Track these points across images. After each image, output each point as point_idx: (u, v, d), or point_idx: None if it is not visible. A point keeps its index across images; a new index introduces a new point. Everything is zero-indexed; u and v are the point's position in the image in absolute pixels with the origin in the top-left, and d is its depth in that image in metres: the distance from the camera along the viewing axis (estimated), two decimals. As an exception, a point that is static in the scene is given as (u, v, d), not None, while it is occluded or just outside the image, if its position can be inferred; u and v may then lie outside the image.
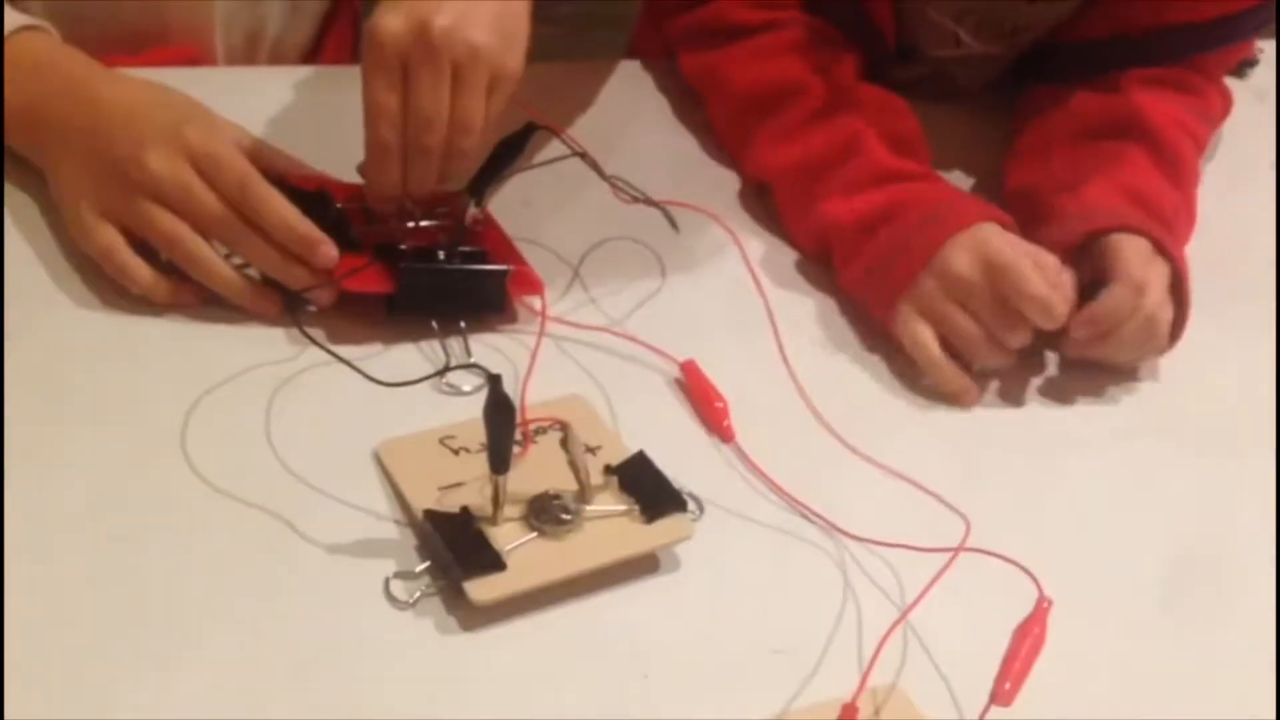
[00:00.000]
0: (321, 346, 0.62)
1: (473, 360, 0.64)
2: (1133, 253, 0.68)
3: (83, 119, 0.64)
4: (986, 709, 0.49)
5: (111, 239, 0.63)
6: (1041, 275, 0.66)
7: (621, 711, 0.52)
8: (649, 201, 0.70)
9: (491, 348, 0.66)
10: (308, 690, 0.51)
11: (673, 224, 0.71)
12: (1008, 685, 0.50)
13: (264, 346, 0.63)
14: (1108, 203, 0.71)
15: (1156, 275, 0.68)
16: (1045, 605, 0.51)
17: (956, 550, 0.55)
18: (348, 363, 0.61)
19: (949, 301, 0.67)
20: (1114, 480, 0.66)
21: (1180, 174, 0.75)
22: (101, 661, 0.51)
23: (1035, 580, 0.52)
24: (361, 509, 0.58)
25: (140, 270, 0.63)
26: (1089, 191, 0.72)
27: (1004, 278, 0.66)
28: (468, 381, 0.63)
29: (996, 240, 0.67)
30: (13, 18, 0.67)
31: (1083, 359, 0.69)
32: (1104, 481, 0.66)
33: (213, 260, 0.63)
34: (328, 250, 0.63)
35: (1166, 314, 0.69)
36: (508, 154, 0.66)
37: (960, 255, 0.67)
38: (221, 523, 0.56)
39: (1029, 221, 0.72)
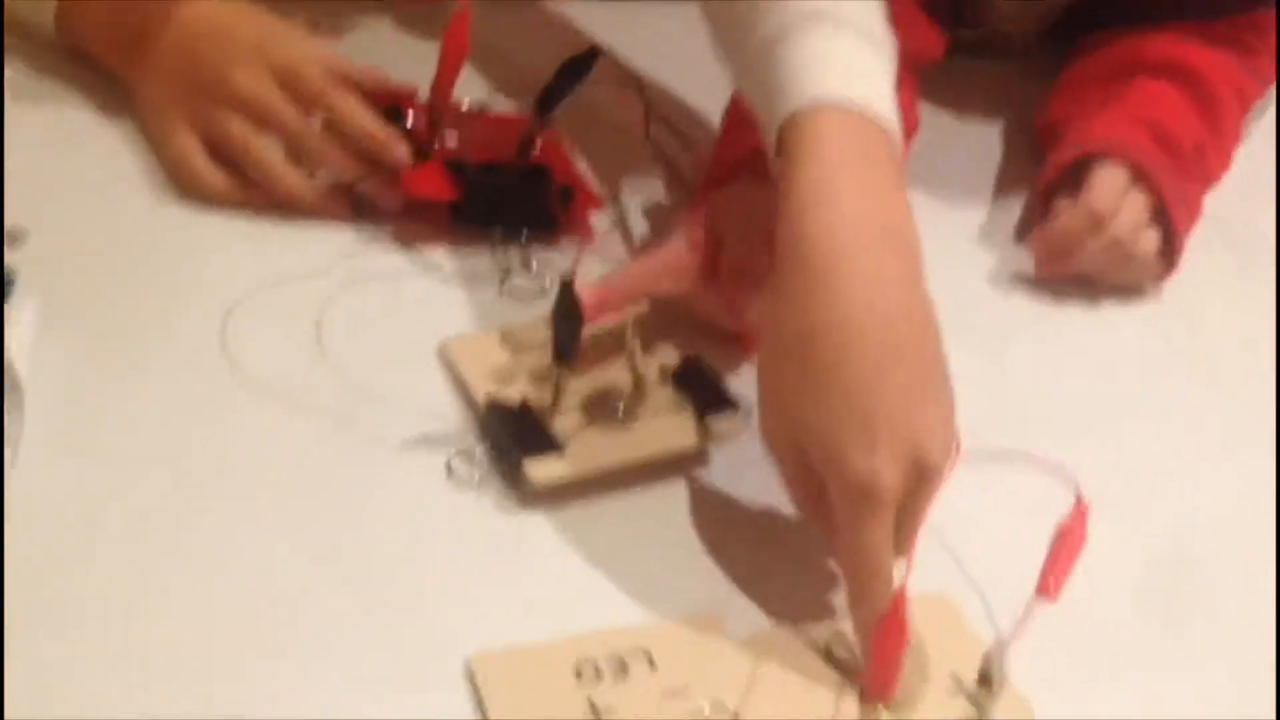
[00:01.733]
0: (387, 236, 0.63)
1: (533, 269, 0.66)
2: (1102, 180, 0.71)
3: (172, 36, 0.67)
4: (1031, 602, 0.50)
5: (188, 144, 0.66)
6: None
7: (673, 592, 0.54)
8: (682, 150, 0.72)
9: (547, 262, 0.67)
10: (376, 568, 0.53)
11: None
12: (1052, 582, 0.51)
13: (326, 247, 0.65)
14: (1110, 130, 0.73)
15: (1130, 204, 0.71)
16: (1083, 508, 0.52)
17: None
18: (414, 252, 0.63)
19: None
20: (1143, 398, 0.68)
21: (1216, 115, 0.76)
22: (150, 563, 0.52)
23: (1074, 484, 0.53)
24: (423, 404, 0.59)
25: (213, 175, 0.66)
26: (1099, 118, 0.74)
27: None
28: (527, 289, 0.65)
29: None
30: None
31: (1074, 277, 0.72)
32: (1133, 400, 0.67)
33: (285, 167, 0.66)
34: (401, 150, 0.65)
35: (1144, 241, 0.71)
36: (573, 76, 0.68)
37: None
38: (276, 417, 0.58)
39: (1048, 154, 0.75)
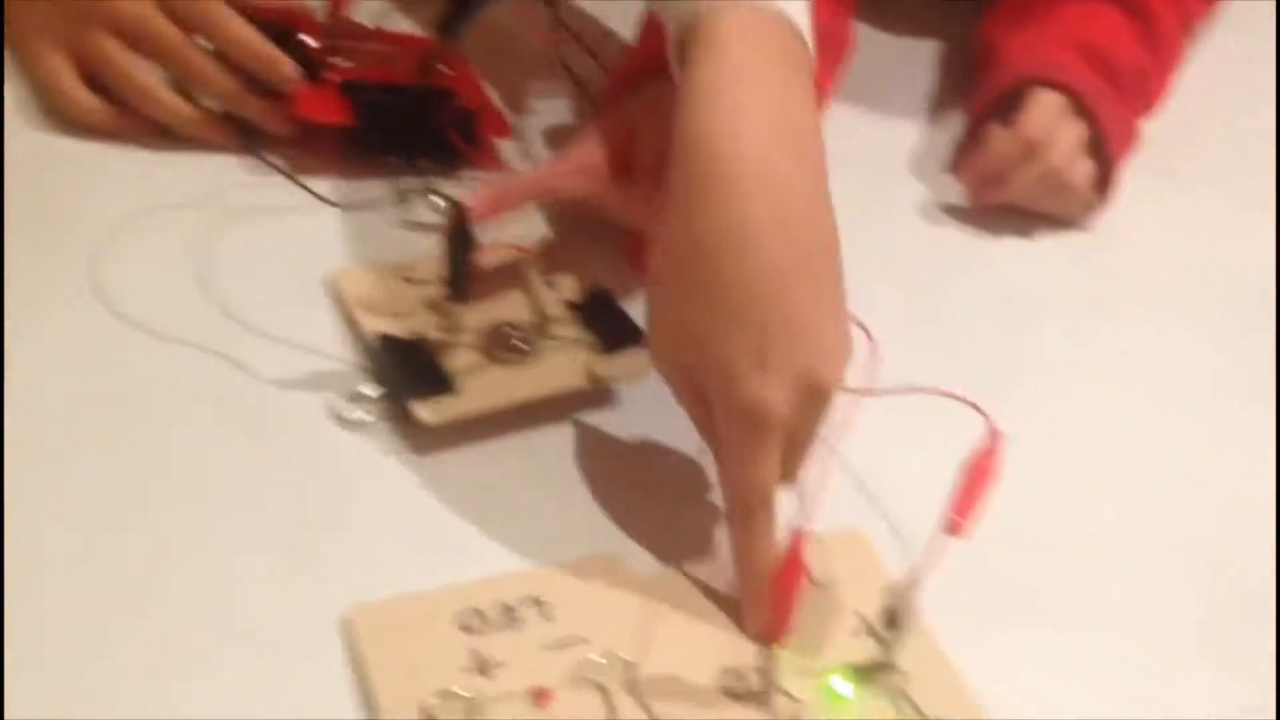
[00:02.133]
0: (274, 166, 0.60)
1: (432, 200, 0.63)
2: (1036, 107, 0.68)
3: None
4: (939, 538, 0.48)
5: (61, 68, 0.62)
6: None
7: (568, 536, 0.51)
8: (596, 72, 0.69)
9: (449, 194, 0.63)
10: (256, 514, 0.50)
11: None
12: (961, 518, 0.49)
13: (210, 178, 0.62)
14: (1045, 54, 0.71)
15: (1065, 132, 0.68)
16: (997, 437, 0.50)
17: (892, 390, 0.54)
18: (301, 184, 0.59)
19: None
20: (1074, 332, 0.65)
21: (1155, 39, 0.73)
22: (17, 508, 0.49)
23: (984, 414, 0.51)
24: (310, 340, 0.56)
25: (88, 100, 0.62)
26: (1035, 41, 0.72)
27: None
28: (428, 217, 0.62)
29: None
30: None
31: (1006, 208, 0.70)
32: (1063, 336, 0.65)
33: (166, 92, 0.62)
34: (289, 70, 0.61)
35: (1080, 170, 0.69)
36: None
37: None
38: (161, 357, 0.55)
39: (982, 77, 0.72)
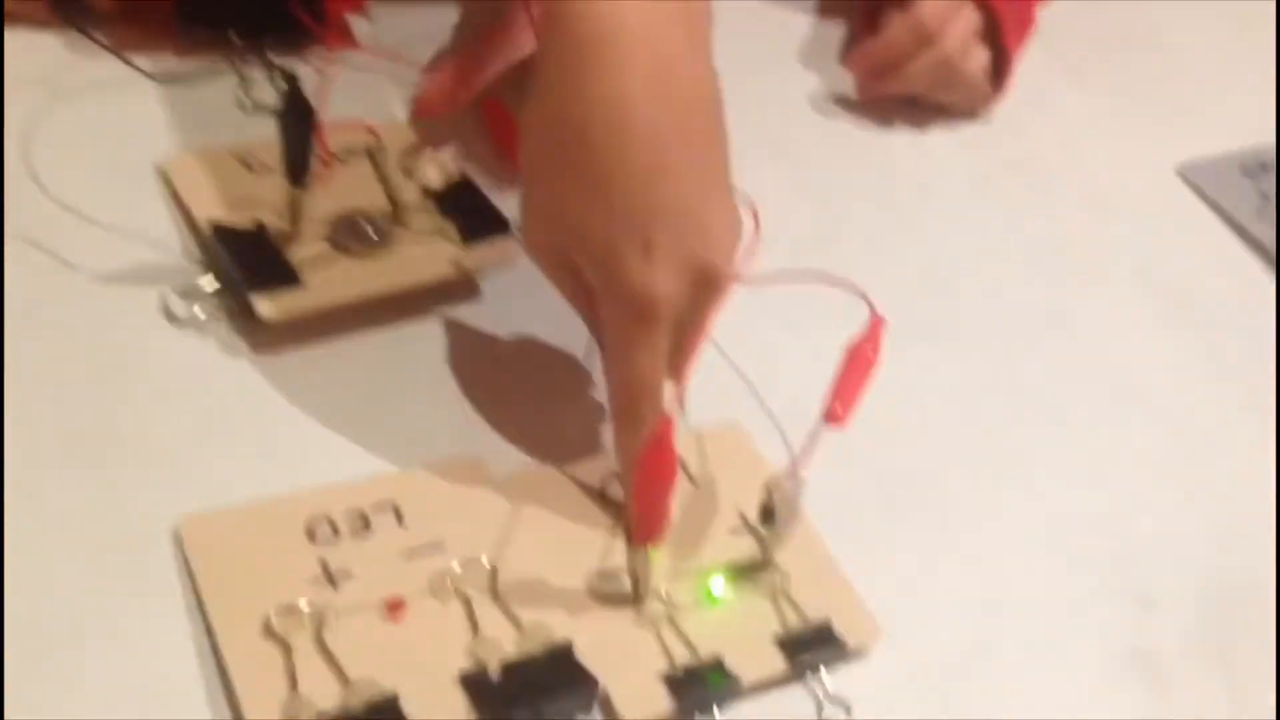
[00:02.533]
0: (99, 43, 0.54)
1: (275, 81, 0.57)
2: None
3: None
4: (818, 429, 0.46)
5: None
6: None
7: (427, 438, 0.47)
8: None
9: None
10: (82, 419, 0.45)
11: None
12: (840, 407, 0.46)
13: (31, 58, 0.56)
14: None
15: (959, 21, 0.66)
16: (878, 322, 0.47)
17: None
18: (128, 61, 0.54)
19: None
20: (965, 222, 0.63)
21: None
22: None
23: (867, 300, 0.48)
24: (141, 230, 0.51)
25: None
26: None
27: None
28: (270, 98, 0.56)
29: None
30: None
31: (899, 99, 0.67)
32: (955, 223, 0.63)
33: None
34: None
35: (974, 59, 0.67)
36: None
37: None
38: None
39: None
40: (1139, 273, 0.63)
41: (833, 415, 0.45)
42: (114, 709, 0.38)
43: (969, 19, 0.67)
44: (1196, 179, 0.69)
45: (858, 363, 0.46)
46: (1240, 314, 0.62)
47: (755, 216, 0.48)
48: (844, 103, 0.68)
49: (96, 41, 0.56)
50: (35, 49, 0.56)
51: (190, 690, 0.39)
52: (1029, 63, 0.69)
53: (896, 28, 0.66)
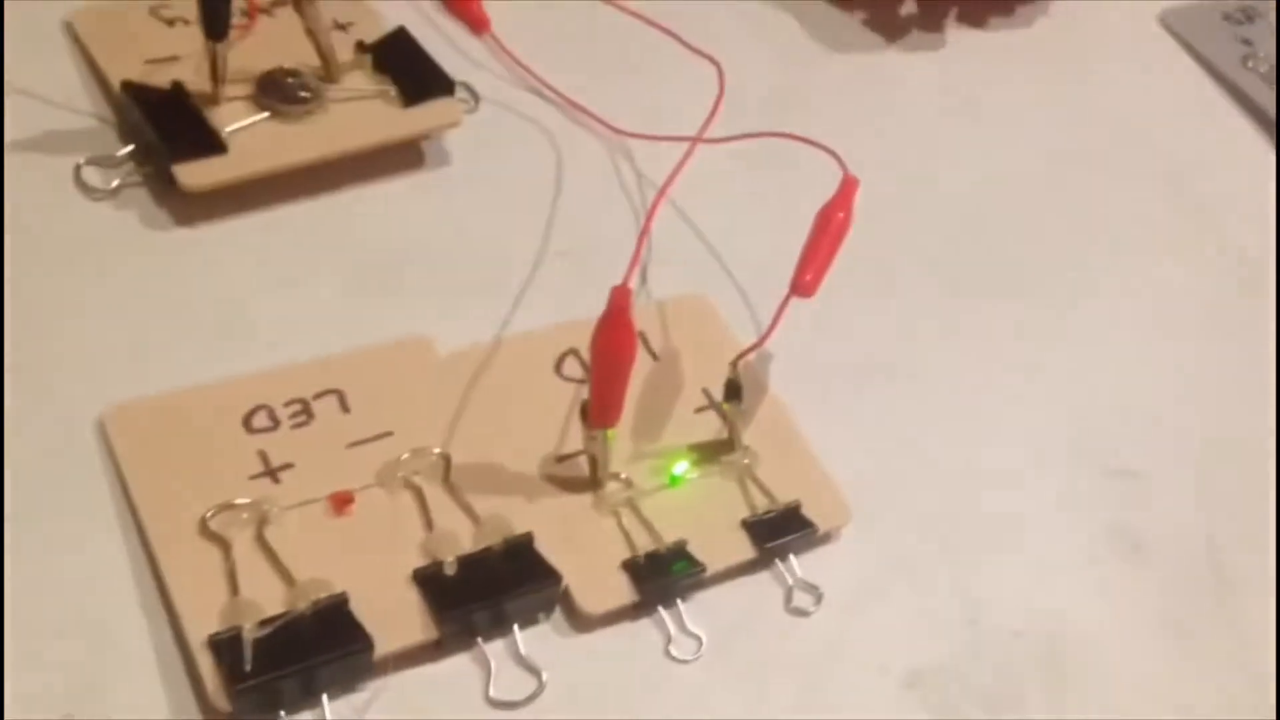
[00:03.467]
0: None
1: None
2: None
3: None
4: (786, 300, 0.43)
5: None
6: None
7: (378, 322, 0.44)
8: None
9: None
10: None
11: None
12: (808, 276, 0.44)
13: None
14: None
15: None
16: (851, 183, 0.45)
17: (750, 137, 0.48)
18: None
19: None
20: (944, 79, 0.59)
21: None
22: None
23: (839, 159, 0.45)
24: (47, 92, 0.47)
25: None
26: None
27: None
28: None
29: None
30: None
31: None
32: (934, 80, 0.59)
33: None
34: None
35: None
36: None
37: None
38: None
39: None
40: (1125, 130, 0.60)
41: (801, 285, 0.42)
42: (41, 619, 0.36)
43: None
44: (1178, 26, 0.66)
45: (828, 228, 0.43)
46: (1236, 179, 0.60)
47: (720, 73, 0.44)
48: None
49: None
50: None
51: (123, 597, 0.36)
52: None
53: None
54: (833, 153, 0.45)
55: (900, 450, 0.46)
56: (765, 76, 0.56)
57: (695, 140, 0.50)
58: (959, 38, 0.62)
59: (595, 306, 0.39)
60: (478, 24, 0.54)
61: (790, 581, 0.41)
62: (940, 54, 0.61)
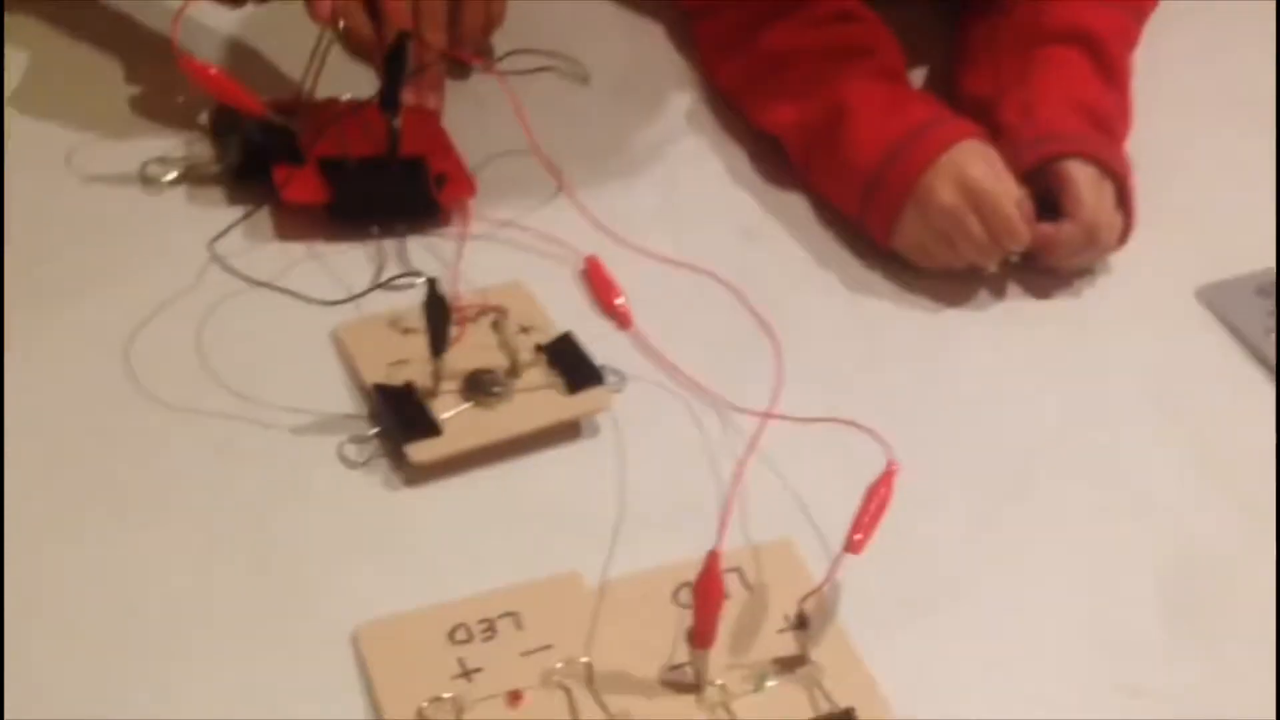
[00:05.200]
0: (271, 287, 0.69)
1: (410, 269, 0.70)
2: (1083, 183, 0.74)
3: None
4: (839, 556, 0.58)
5: None
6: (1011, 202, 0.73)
7: (546, 558, 0.60)
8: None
9: (424, 247, 0.72)
10: (269, 539, 0.59)
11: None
12: (858, 536, 0.58)
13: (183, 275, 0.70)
14: (1059, 123, 0.77)
15: (1105, 198, 0.75)
16: (894, 468, 0.59)
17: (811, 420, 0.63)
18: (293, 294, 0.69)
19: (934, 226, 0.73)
20: (988, 341, 0.74)
21: (1117, 75, 0.80)
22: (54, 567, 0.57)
23: (886, 445, 0.60)
24: (320, 389, 0.65)
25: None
26: (1041, 110, 0.77)
27: (983, 202, 0.72)
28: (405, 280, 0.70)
29: (975, 167, 0.73)
30: None
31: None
32: (977, 344, 0.74)
33: None
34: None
35: (1116, 228, 0.76)
36: (396, 64, 0.71)
37: (943, 185, 0.73)
38: (185, 409, 0.63)
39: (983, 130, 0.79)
40: (1153, 390, 0.73)
41: (854, 545, 0.57)
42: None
43: (1109, 197, 0.76)
44: (1213, 301, 0.78)
45: (874, 501, 0.58)
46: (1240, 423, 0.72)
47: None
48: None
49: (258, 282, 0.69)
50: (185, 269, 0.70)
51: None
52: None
53: (1071, 235, 0.74)
54: (881, 439, 0.60)
55: (939, 666, 0.59)
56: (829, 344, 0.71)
57: (766, 416, 0.65)
58: (1011, 303, 0.76)
59: (706, 547, 0.54)
60: (623, 322, 0.71)
61: (845, 771, 0.55)
62: (991, 317, 0.75)
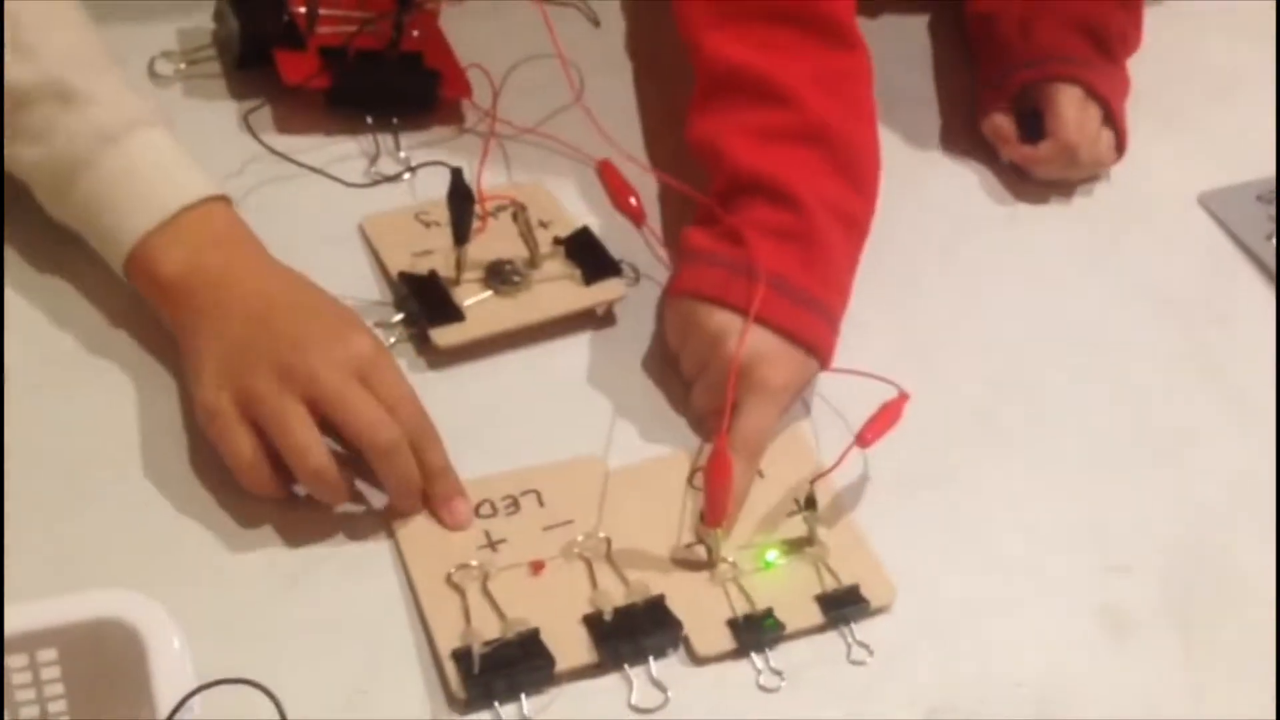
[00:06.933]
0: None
1: (404, 155, 0.72)
2: (1065, 105, 0.76)
3: (254, 304, 0.60)
4: (849, 448, 0.60)
5: (228, 407, 0.57)
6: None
7: (565, 441, 0.63)
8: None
9: (447, 150, 0.73)
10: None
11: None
12: (868, 436, 0.60)
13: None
14: (1055, 44, 0.78)
15: (1089, 119, 0.76)
16: (904, 398, 0.62)
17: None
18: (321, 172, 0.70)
19: None
20: (998, 248, 0.76)
21: None
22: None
23: (896, 385, 0.62)
24: (346, 277, 0.66)
25: (244, 444, 0.57)
26: (1038, 31, 0.78)
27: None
28: (391, 168, 0.71)
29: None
30: (197, 182, 0.62)
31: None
32: (990, 248, 0.76)
33: (326, 467, 0.57)
34: (462, 508, 0.60)
35: (1103, 145, 0.77)
36: None
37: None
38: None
39: (983, 49, 0.81)
40: (1154, 291, 0.75)
41: (862, 440, 0.60)
42: (346, 637, 0.55)
43: (1094, 117, 0.77)
44: (1214, 207, 0.80)
45: (887, 412, 0.61)
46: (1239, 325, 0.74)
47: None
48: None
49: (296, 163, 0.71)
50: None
51: (398, 624, 0.56)
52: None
53: (1049, 152, 0.76)
54: (893, 383, 0.62)
55: (937, 546, 0.62)
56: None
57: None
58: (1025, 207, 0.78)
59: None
60: (637, 219, 0.73)
61: (849, 641, 0.58)
62: (1002, 224, 0.77)
